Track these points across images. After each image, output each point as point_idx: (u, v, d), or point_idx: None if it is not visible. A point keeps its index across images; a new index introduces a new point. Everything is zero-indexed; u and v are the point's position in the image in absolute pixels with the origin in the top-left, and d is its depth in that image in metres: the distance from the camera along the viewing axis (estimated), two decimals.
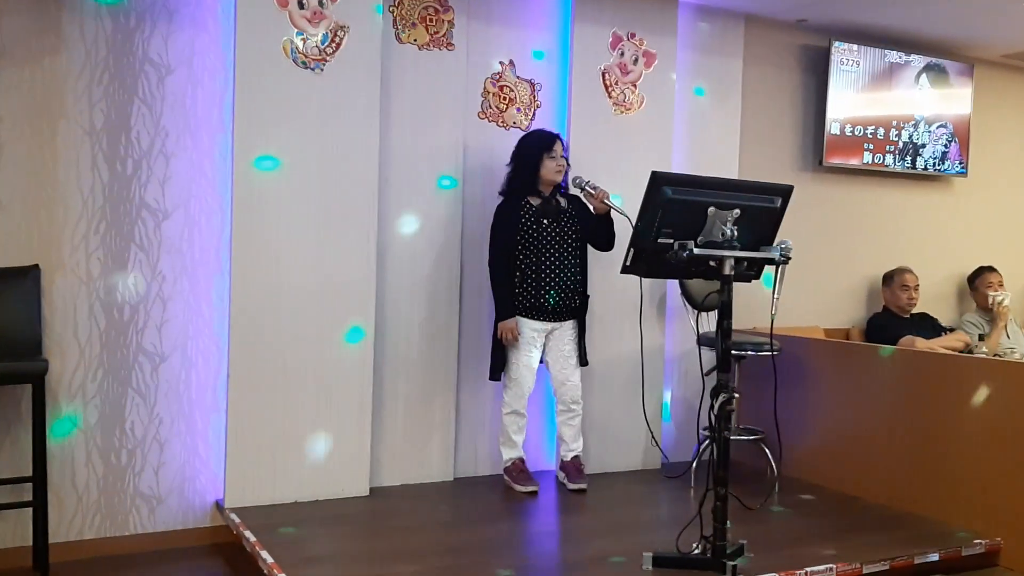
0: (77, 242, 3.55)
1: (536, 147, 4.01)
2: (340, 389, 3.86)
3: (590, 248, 4.12)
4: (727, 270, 3.04)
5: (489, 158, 4.28)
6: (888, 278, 5.39)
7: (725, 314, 3.06)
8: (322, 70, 3.76)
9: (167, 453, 3.73)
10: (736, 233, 3.03)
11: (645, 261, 3.06)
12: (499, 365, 4.07)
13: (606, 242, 4.09)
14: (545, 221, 4.02)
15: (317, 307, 3.80)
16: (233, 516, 3.59)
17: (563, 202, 4.10)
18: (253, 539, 3.32)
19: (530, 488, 4.06)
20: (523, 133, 4.19)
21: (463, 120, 4.18)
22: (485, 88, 4.27)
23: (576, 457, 4.21)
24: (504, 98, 4.31)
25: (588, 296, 4.17)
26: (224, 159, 3.74)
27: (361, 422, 3.91)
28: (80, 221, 3.55)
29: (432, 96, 4.10)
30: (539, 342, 4.09)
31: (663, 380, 4.69)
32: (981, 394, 3.69)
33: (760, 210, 3.13)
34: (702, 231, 3.04)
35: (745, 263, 3.11)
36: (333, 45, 3.77)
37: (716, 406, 3.03)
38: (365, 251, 3.89)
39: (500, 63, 4.30)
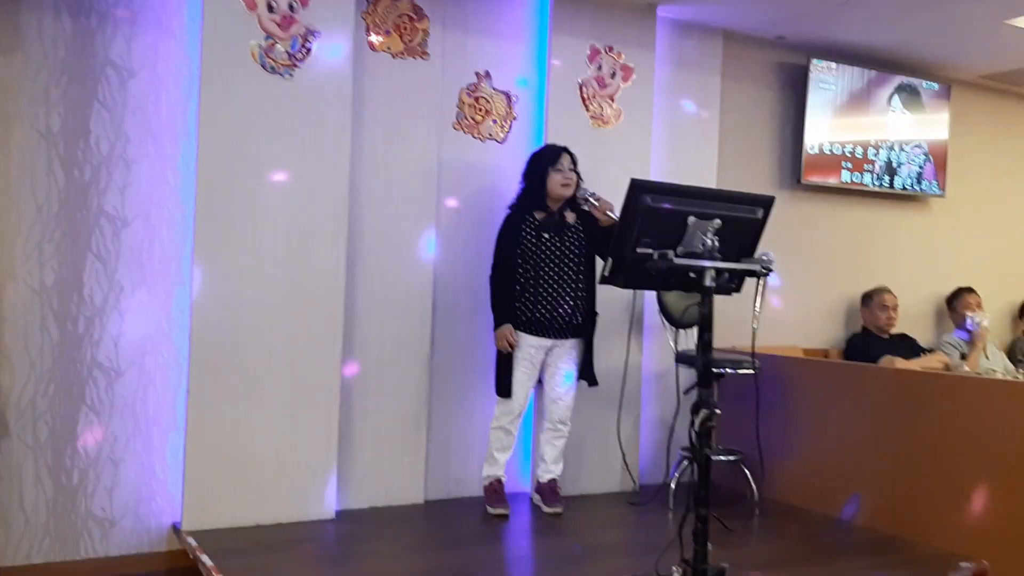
0: (30, 251, 3.39)
1: (542, 161, 3.93)
2: (305, 407, 3.71)
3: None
4: (708, 282, 2.93)
5: (464, 170, 4.17)
6: (867, 298, 5.33)
7: (706, 328, 2.94)
8: (292, 76, 3.64)
9: (122, 473, 3.55)
10: (717, 244, 2.93)
11: (624, 271, 2.95)
12: (505, 379, 3.93)
13: (603, 253, 3.98)
14: (546, 235, 3.91)
15: (283, 321, 3.66)
16: (190, 539, 3.41)
17: (571, 217, 3.99)
18: (210, 563, 3.14)
19: (499, 511, 3.91)
20: (499, 143, 4.09)
21: (438, 131, 4.08)
22: (460, 99, 4.18)
23: (554, 480, 4.07)
24: (480, 109, 4.21)
25: (597, 314, 4.05)
26: (188, 166, 3.60)
27: (327, 441, 3.75)
28: (34, 228, 3.39)
29: (406, 106, 4.00)
30: (537, 359, 3.97)
31: (639, 399, 4.57)
32: (982, 427, 3.59)
33: (741, 221, 3.03)
34: (682, 241, 2.93)
35: (726, 274, 3.00)
36: (303, 51, 3.66)
37: (697, 423, 2.91)
38: (334, 264, 3.75)
39: (476, 74, 4.21)
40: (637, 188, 2.87)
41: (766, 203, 3.09)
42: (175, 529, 3.60)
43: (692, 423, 2.94)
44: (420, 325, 4.05)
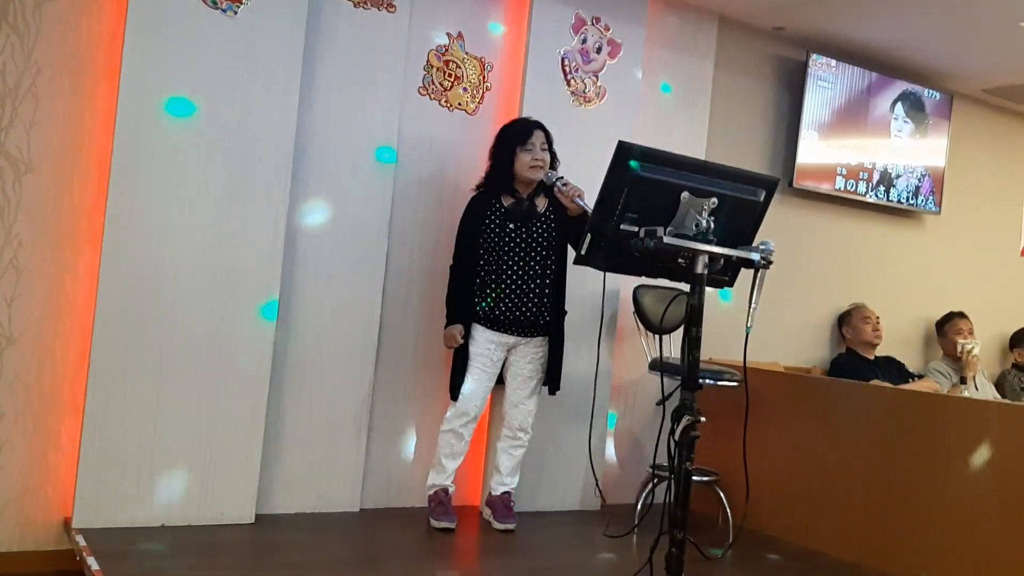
0: None
1: (511, 138, 3.50)
2: (228, 394, 3.24)
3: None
4: (699, 268, 2.53)
5: (428, 140, 3.74)
6: (846, 315, 5.01)
7: (694, 321, 2.53)
8: (235, 13, 3.19)
9: (6, 456, 3.05)
10: (712, 226, 2.53)
11: (603, 251, 2.53)
12: (459, 377, 3.51)
13: (576, 245, 3.55)
14: (511, 225, 3.48)
15: (207, 293, 3.19)
16: (79, 538, 2.92)
17: (541, 204, 3.56)
18: (95, 567, 2.67)
19: (443, 524, 3.46)
20: (469, 115, 3.66)
21: (401, 94, 3.64)
22: (429, 61, 3.74)
23: (507, 493, 3.63)
24: (449, 75, 3.78)
25: (565, 312, 3.62)
26: (109, 109, 3.12)
27: (251, 434, 3.28)
28: None
29: (366, 62, 3.55)
30: (496, 356, 3.53)
31: (606, 409, 4.14)
32: (982, 454, 3.23)
33: (741, 202, 2.64)
34: (673, 220, 2.53)
35: (721, 261, 2.60)
36: None
37: (678, 431, 2.49)
38: (272, 232, 3.30)
39: (447, 35, 3.78)
40: (625, 152, 2.46)
41: (769, 185, 2.71)
42: (66, 525, 3.10)
43: (672, 432, 2.52)
44: (367, 312, 3.59)
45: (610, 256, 2.55)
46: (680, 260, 2.59)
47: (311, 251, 3.49)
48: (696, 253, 2.50)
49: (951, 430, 3.34)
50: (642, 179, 2.46)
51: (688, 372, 2.53)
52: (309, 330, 3.49)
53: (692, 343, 2.54)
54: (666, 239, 2.41)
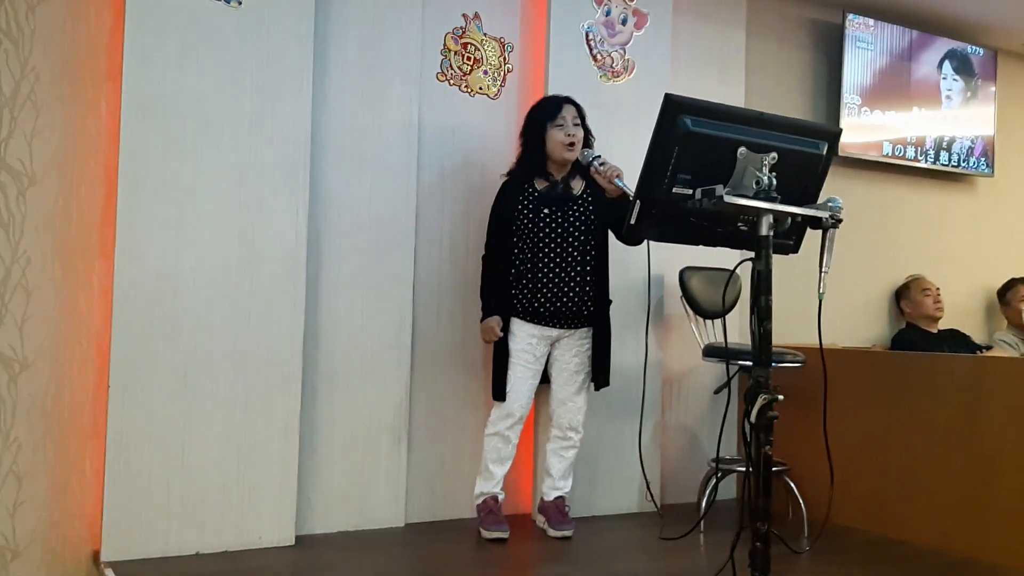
0: None
1: (538, 116, 3.29)
2: (259, 409, 3.03)
3: (614, 241, 3.35)
4: (764, 230, 2.29)
5: (450, 129, 3.53)
6: (903, 289, 4.75)
7: (763, 289, 2.29)
8: (240, 3, 3.00)
9: (27, 490, 2.85)
10: (775, 183, 2.29)
11: (655, 219, 2.30)
12: (502, 377, 3.28)
13: (617, 228, 3.32)
14: (546, 210, 3.26)
15: (229, 303, 2.99)
16: (109, 572, 2.71)
17: (577, 187, 3.33)
18: None
19: (495, 535, 3.23)
20: (491, 99, 3.45)
21: (419, 81, 3.43)
22: (445, 44, 3.54)
23: (561, 498, 3.39)
24: (468, 58, 3.57)
25: (610, 301, 3.39)
26: (114, 113, 2.94)
27: (285, 451, 3.07)
28: None
29: (380, 49, 3.35)
30: (539, 352, 3.30)
31: (659, 404, 3.89)
32: None
33: (802, 156, 2.41)
34: (730, 181, 2.29)
35: (788, 222, 2.35)
36: None
37: (754, 412, 2.25)
38: (294, 235, 3.09)
39: (463, 16, 3.57)
40: (673, 106, 2.23)
41: (832, 136, 2.48)
42: (95, 559, 2.90)
43: (747, 414, 2.28)
44: (399, 314, 3.38)
45: (663, 224, 2.32)
46: (740, 225, 2.37)
47: (334, 253, 3.28)
48: (760, 213, 2.27)
49: None
50: (694, 135, 2.23)
51: (761, 346, 2.29)
52: (338, 337, 3.28)
53: (763, 313, 2.29)
54: (726, 198, 2.18)
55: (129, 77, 2.86)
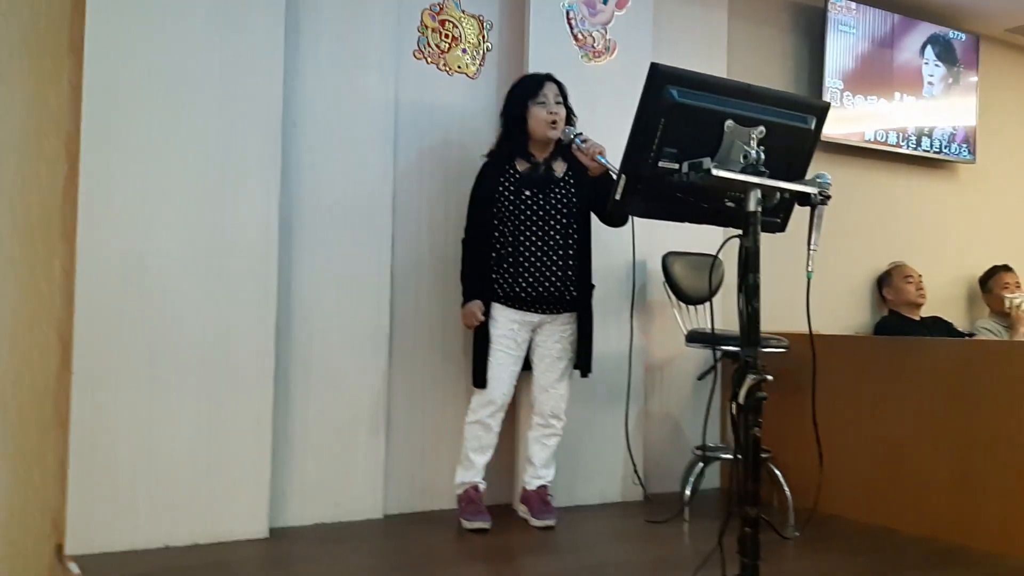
0: None
1: (519, 94, 3.20)
2: (228, 396, 2.92)
3: (597, 225, 3.28)
4: (752, 205, 2.21)
5: (428, 108, 3.44)
6: (886, 276, 4.72)
7: (751, 267, 2.21)
8: None
9: None
10: (763, 157, 2.22)
11: (641, 194, 2.22)
12: (482, 363, 3.20)
13: (600, 210, 3.25)
14: (527, 192, 3.17)
15: (198, 287, 2.88)
16: (73, 566, 2.60)
17: (559, 168, 3.25)
18: None
19: (476, 525, 3.14)
20: (470, 79, 3.36)
21: (395, 59, 3.34)
22: (423, 21, 3.44)
23: (544, 487, 3.32)
24: (446, 35, 3.48)
25: (593, 285, 3.31)
26: (76, 88, 2.82)
27: (257, 440, 2.97)
28: None
29: (355, 25, 3.25)
30: (520, 337, 3.23)
31: (641, 391, 3.82)
32: None
33: (790, 131, 2.34)
34: (717, 154, 2.22)
35: (777, 198, 2.28)
36: None
37: (742, 393, 2.18)
38: (265, 215, 2.99)
39: None
40: (660, 76, 2.15)
41: (820, 110, 2.41)
42: (58, 552, 2.78)
43: (735, 395, 2.20)
44: (376, 298, 3.28)
45: (649, 199, 2.24)
46: (727, 201, 2.30)
47: (308, 234, 3.18)
48: (748, 187, 2.19)
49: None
50: (681, 107, 2.15)
51: (748, 324, 2.21)
52: (313, 322, 3.18)
53: (751, 292, 2.22)
54: (714, 171, 2.11)
55: (92, 51, 2.74)
